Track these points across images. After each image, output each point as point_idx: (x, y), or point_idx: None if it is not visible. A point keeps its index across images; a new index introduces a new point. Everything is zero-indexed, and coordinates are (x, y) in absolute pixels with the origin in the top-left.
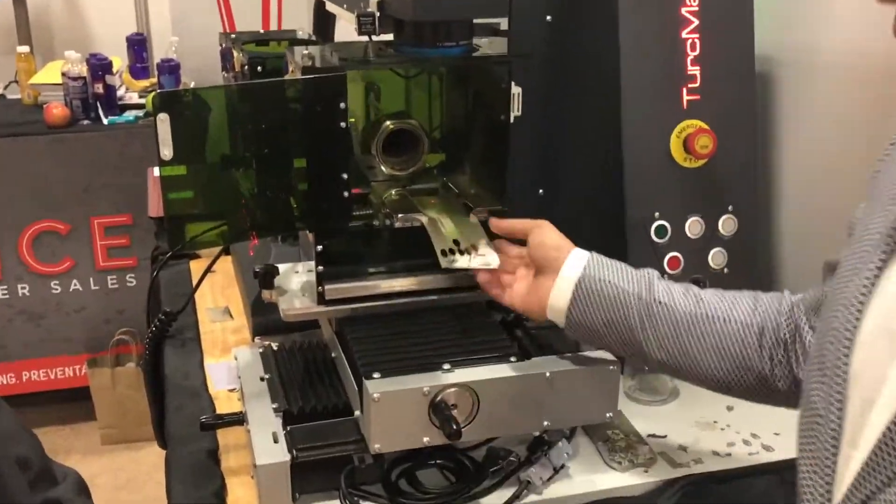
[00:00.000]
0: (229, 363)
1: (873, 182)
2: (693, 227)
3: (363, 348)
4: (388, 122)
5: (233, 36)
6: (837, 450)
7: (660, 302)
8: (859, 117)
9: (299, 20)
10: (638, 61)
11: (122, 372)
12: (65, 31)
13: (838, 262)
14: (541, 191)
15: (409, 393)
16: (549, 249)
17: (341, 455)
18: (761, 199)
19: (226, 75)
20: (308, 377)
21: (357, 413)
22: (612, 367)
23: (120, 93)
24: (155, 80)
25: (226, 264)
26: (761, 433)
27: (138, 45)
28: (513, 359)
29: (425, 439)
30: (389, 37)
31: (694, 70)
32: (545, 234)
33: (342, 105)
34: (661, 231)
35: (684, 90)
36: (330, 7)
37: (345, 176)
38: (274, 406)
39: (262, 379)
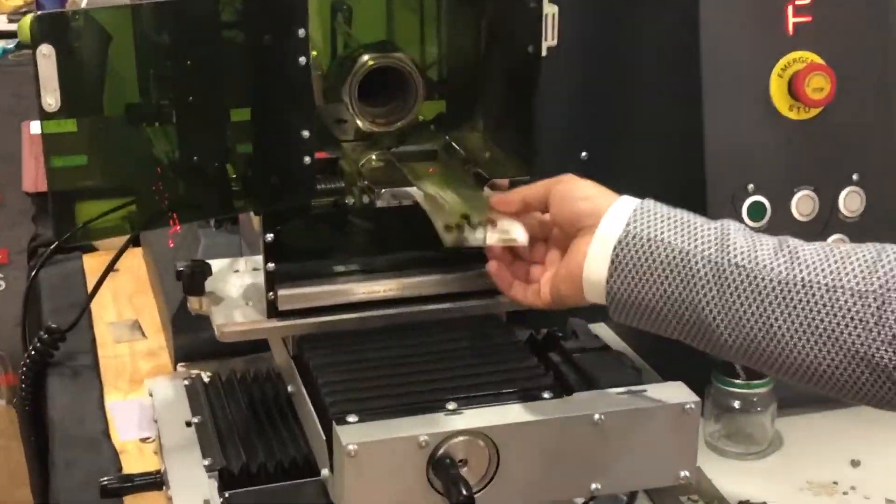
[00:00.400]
0: (141, 401)
1: None
2: (803, 204)
3: (333, 380)
4: (365, 57)
5: None
6: None
7: (737, 265)
8: None
9: None
10: None
11: None
12: None
13: None
14: (584, 154)
15: (399, 444)
16: (578, 201)
17: None
18: None
19: None
20: (254, 421)
21: (324, 473)
22: (689, 406)
23: None
24: None
25: (134, 260)
26: None
27: None
28: (547, 394)
29: None
30: None
31: None
32: (571, 186)
33: (301, 32)
34: (756, 210)
35: (790, 8)
36: None
37: (305, 133)
38: (206, 463)
39: (188, 424)
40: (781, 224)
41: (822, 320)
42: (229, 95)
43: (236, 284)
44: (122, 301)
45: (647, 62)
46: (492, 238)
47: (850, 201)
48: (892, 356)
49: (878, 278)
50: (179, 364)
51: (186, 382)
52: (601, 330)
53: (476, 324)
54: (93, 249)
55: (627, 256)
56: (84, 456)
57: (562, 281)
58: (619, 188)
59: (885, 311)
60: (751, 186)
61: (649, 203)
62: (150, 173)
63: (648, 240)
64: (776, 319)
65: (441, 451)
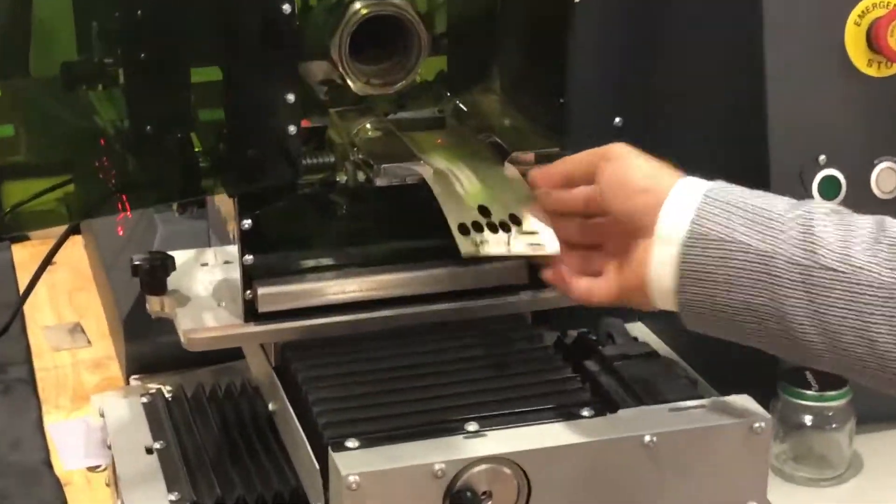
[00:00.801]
0: (88, 421)
1: None
2: (885, 178)
3: (326, 396)
4: (357, 5)
5: None
6: None
7: (827, 268)
8: None
9: None
10: None
11: None
12: None
13: None
14: (617, 119)
15: (410, 474)
16: (634, 196)
17: None
18: None
19: None
20: (228, 446)
21: None
22: (758, 425)
23: None
24: None
25: (74, 251)
26: None
27: None
28: (586, 412)
29: None
30: None
31: None
32: (625, 170)
33: None
34: (829, 187)
35: None
36: None
37: (290, 97)
38: (172, 497)
39: (149, 450)
40: (859, 203)
41: None
42: (192, 51)
43: (204, 281)
44: (61, 301)
45: (695, 11)
46: (517, 246)
47: None
48: None
49: None
50: (132, 377)
51: (145, 399)
52: (638, 330)
53: (497, 326)
54: (24, 238)
55: (697, 261)
56: (20, 490)
57: (630, 290)
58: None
59: None
60: (822, 158)
61: (715, 189)
62: (91, 147)
63: (720, 240)
64: (877, 327)
65: (461, 482)
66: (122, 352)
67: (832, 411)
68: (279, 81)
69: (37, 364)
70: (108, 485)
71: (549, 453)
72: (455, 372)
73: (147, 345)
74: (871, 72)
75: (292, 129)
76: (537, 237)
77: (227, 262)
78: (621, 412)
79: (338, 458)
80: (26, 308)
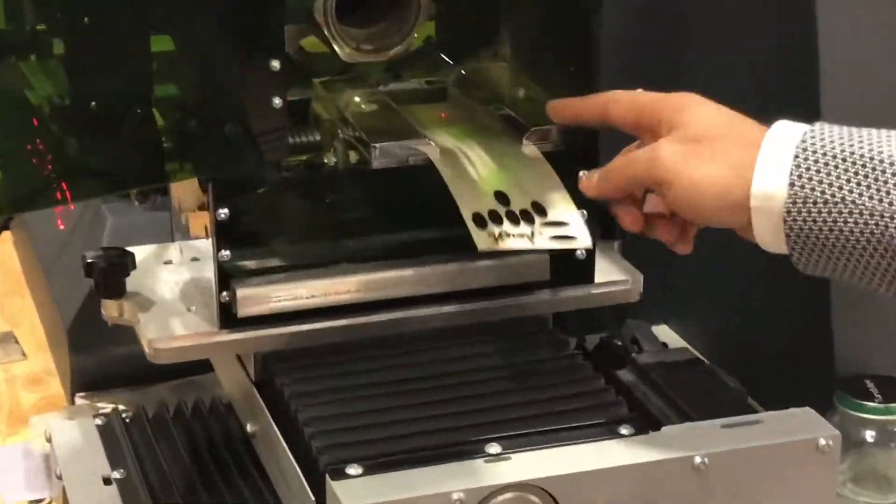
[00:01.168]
0: (28, 447)
1: None
2: None
3: (320, 415)
4: None
5: None
6: None
7: None
8: None
9: None
10: None
11: None
12: None
13: None
14: (640, 91)
15: None
16: (717, 204)
17: None
18: None
19: None
20: (199, 475)
21: None
22: (825, 442)
23: None
24: None
25: (3, 248)
26: None
27: None
28: (625, 429)
29: None
30: None
31: None
32: (692, 114)
33: None
34: None
35: None
36: None
37: (275, 64)
38: None
39: (107, 481)
40: None
41: None
42: (153, 15)
43: (169, 282)
44: None
45: None
46: (542, 239)
47: None
48: None
49: None
50: (78, 395)
51: (99, 421)
52: (665, 335)
53: (515, 331)
54: None
55: (807, 233)
56: None
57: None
58: None
59: None
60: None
61: (820, 133)
62: (23, 127)
63: (832, 201)
64: None
65: None
66: (65, 366)
67: None
68: (261, 45)
69: None
70: None
71: (583, 479)
72: (470, 384)
73: (95, 357)
74: None
75: (277, 101)
76: (566, 228)
77: (194, 260)
78: (665, 429)
79: (338, 488)
80: None
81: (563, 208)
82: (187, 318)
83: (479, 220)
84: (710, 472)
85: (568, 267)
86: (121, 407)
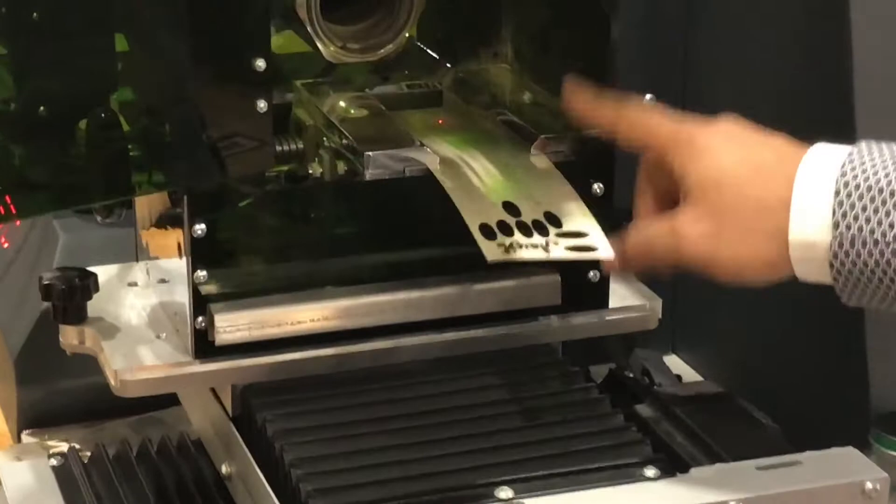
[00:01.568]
0: None
1: None
2: None
3: (308, 456)
4: None
5: None
6: None
7: None
8: None
9: None
10: None
11: None
12: None
13: None
14: (648, 96)
15: None
16: (749, 230)
17: None
18: None
19: None
20: None
21: None
22: (871, 486)
23: None
24: None
25: None
26: None
27: None
28: (650, 471)
29: None
30: None
31: None
32: (708, 167)
33: None
34: None
35: None
36: None
37: (260, 64)
38: None
39: None
40: None
41: None
42: (113, 10)
43: (136, 306)
44: None
45: None
46: (558, 250)
47: None
48: None
49: None
50: (25, 432)
51: (55, 462)
52: (675, 365)
53: (522, 361)
54: None
55: (851, 270)
56: None
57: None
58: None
59: None
60: None
61: (850, 166)
62: None
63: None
64: None
65: None
66: (11, 400)
67: None
68: (244, 42)
69: None
70: None
71: None
72: (474, 421)
73: (46, 390)
74: None
75: (262, 104)
76: (584, 239)
77: (162, 281)
78: (694, 471)
79: None
80: None
81: (579, 218)
82: (157, 346)
83: (488, 232)
84: None
85: (579, 290)
86: (76, 446)
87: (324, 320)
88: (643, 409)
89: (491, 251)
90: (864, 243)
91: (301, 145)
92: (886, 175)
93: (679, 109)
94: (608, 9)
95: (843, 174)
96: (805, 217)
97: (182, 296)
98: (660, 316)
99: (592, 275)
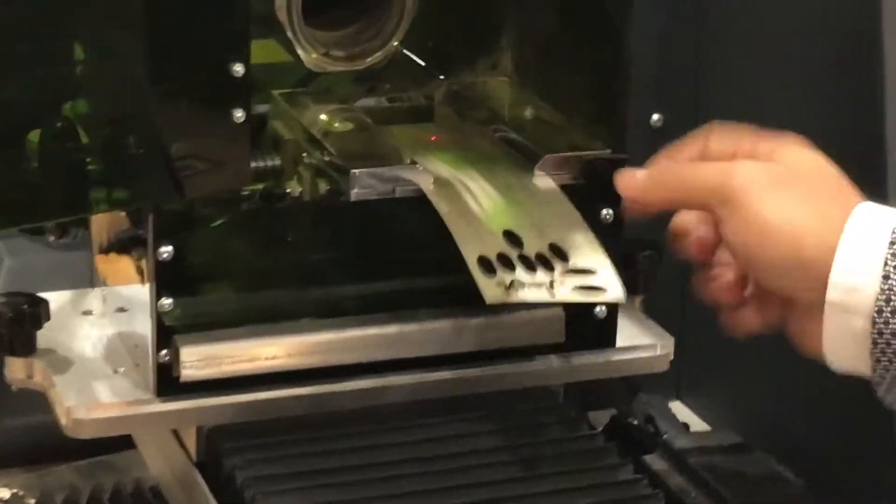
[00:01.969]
0: None
1: None
2: None
3: None
4: None
5: None
6: None
7: None
8: None
9: None
10: None
11: None
12: None
13: None
14: (655, 116)
15: None
16: (777, 250)
17: None
18: None
19: None
20: None
21: None
22: None
23: None
24: None
25: None
26: None
27: None
28: None
29: None
30: None
31: None
32: (758, 211)
33: None
34: None
35: None
36: None
37: (237, 69)
38: None
39: None
40: None
41: None
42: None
43: (91, 337)
44: None
45: None
46: (564, 290)
47: None
48: None
49: None
50: None
51: None
52: (680, 413)
53: (520, 405)
54: None
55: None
56: None
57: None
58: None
59: None
60: None
61: None
62: None
63: None
64: None
65: None
66: None
67: None
68: (220, 45)
69: None
70: None
71: None
72: (467, 471)
73: None
74: None
75: (238, 114)
76: (593, 278)
77: (121, 310)
78: None
79: None
80: None
81: (588, 253)
82: (114, 381)
83: (487, 265)
84: None
85: (584, 328)
86: (19, 492)
87: (302, 356)
88: (653, 461)
89: (491, 291)
90: None
91: (278, 161)
92: None
93: (691, 128)
94: (619, 16)
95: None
96: (855, 252)
97: (143, 326)
98: (672, 357)
99: (599, 310)
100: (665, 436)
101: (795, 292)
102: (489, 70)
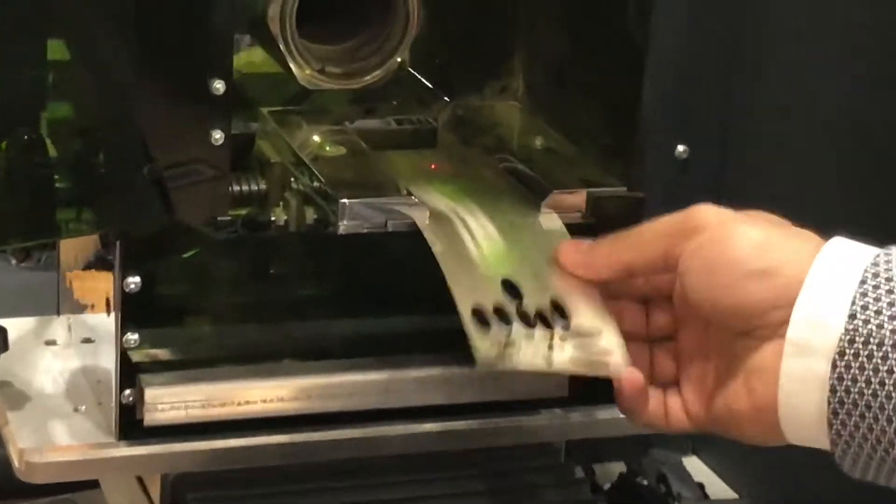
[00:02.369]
0: None
1: None
2: None
3: None
4: None
5: None
6: None
7: None
8: None
9: None
10: None
11: None
12: None
13: None
14: (681, 148)
15: None
16: (743, 280)
17: None
18: None
19: None
20: None
21: None
22: None
23: None
24: None
25: None
26: None
27: None
28: None
29: None
30: None
31: None
32: (721, 242)
33: None
34: None
35: None
36: None
37: (218, 86)
38: None
39: None
40: None
41: None
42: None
43: (53, 370)
44: None
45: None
46: (562, 357)
47: None
48: None
49: None
50: None
51: None
52: (696, 469)
53: (517, 462)
54: None
55: (859, 379)
56: None
57: (741, 420)
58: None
59: None
60: None
61: (884, 259)
62: None
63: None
64: None
65: None
66: None
67: None
68: (201, 60)
69: None
70: None
71: None
72: None
73: None
74: None
75: (217, 135)
76: (596, 342)
77: (87, 341)
78: None
79: None
80: None
81: (592, 312)
82: (74, 421)
83: (481, 318)
84: None
85: (591, 380)
86: None
87: (280, 401)
88: None
89: (484, 351)
90: (882, 344)
91: (263, 186)
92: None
93: (718, 162)
94: (638, 38)
95: (875, 263)
96: (822, 284)
97: (109, 360)
98: None
99: None
100: (678, 500)
101: (751, 315)
102: (498, 93)
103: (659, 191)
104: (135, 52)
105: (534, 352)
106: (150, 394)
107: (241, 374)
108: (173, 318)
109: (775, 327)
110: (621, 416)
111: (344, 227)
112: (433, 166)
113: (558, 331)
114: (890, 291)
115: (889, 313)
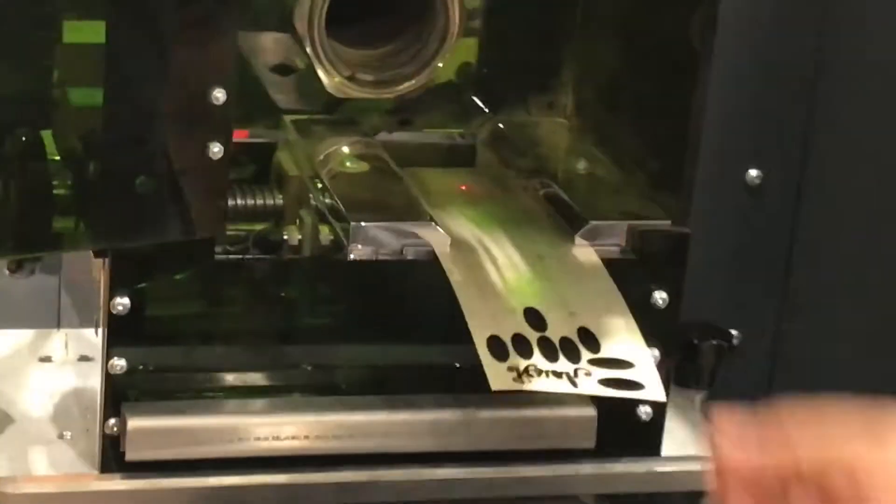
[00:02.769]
0: None
1: None
2: None
3: None
4: None
5: None
6: None
7: None
8: None
9: None
10: None
11: None
12: None
13: None
14: (753, 172)
15: None
16: None
17: None
18: None
19: None
20: None
21: None
22: None
23: None
24: None
25: None
26: None
27: None
28: None
29: None
30: None
31: None
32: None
33: None
34: None
35: None
36: None
37: (219, 95)
38: None
39: None
40: None
41: None
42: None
43: (44, 390)
44: None
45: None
46: (588, 382)
47: None
48: None
49: None
50: None
51: None
52: None
53: None
54: None
55: None
56: None
57: None
58: (822, 247)
59: None
60: None
61: None
62: None
63: None
64: None
65: None
66: None
67: None
68: (201, 66)
69: None
70: None
71: None
72: None
73: None
74: None
75: (216, 149)
76: (628, 371)
77: (84, 359)
78: None
79: None
80: None
81: (626, 341)
82: (57, 449)
83: (498, 348)
84: None
85: (624, 430)
86: None
87: (276, 440)
88: None
89: (498, 376)
90: None
91: (280, 200)
92: None
93: (794, 193)
94: (703, 49)
95: None
96: None
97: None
98: None
99: (642, 411)
100: None
101: None
102: (545, 109)
103: (725, 222)
104: (127, 58)
105: (554, 379)
106: (134, 425)
107: (235, 409)
108: (163, 343)
109: None
110: (657, 470)
111: (355, 253)
112: (463, 187)
113: (585, 358)
114: None
115: None
